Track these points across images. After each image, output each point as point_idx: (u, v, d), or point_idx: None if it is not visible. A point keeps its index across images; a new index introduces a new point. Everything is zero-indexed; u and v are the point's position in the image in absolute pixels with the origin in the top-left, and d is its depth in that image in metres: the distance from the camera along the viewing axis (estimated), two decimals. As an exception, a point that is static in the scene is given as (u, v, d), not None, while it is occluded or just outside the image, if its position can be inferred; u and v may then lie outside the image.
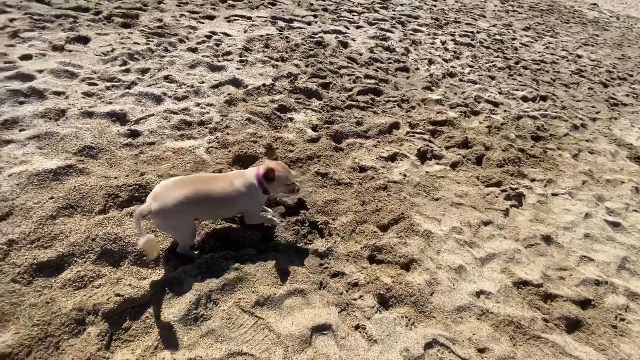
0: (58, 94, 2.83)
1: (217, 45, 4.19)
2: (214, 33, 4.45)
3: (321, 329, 1.73)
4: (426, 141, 3.43)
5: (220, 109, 3.15)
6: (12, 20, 3.55)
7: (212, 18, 4.93)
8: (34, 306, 1.58)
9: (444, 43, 6.20)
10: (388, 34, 5.90)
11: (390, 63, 4.93)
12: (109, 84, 3.10)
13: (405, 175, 2.93)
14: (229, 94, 3.36)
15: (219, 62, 3.86)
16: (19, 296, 1.60)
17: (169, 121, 2.85)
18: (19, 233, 1.81)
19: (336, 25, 5.74)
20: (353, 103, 3.73)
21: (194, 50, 3.97)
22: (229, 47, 4.22)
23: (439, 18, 7.50)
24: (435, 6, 8.41)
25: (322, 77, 4.08)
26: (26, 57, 3.10)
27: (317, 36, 5.10)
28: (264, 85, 3.60)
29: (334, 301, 1.88)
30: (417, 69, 4.99)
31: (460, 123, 3.87)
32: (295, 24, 5.40)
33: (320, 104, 3.60)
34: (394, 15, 7.00)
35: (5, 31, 3.37)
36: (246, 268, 1.92)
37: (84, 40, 3.63)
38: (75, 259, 1.80)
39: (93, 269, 1.77)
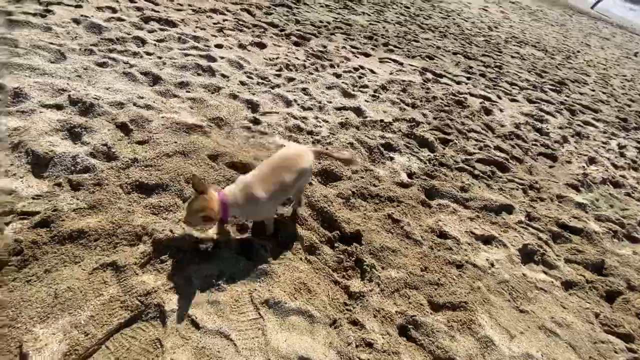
0: (223, 76, 3.58)
1: (359, 77, 4.53)
2: (362, 67, 4.84)
3: (308, 365, 1.56)
4: (541, 241, 2.77)
5: (332, 127, 3.35)
6: (224, 20, 4.76)
7: (367, 55, 5.39)
8: (120, 209, 1.99)
9: (621, 147, 5.00)
10: (547, 117, 5.17)
11: (535, 145, 4.28)
12: (260, 81, 3.74)
13: (492, 265, 2.42)
14: (346, 118, 3.56)
15: (353, 91, 4.16)
16: (116, 198, 2.05)
17: (287, 122, 3.21)
18: (142, 156, 2.33)
19: (487, 92, 5.40)
20: (467, 167, 3.37)
21: (337, 76, 4.41)
22: (369, 81, 4.50)
23: (628, 119, 6.12)
24: (629, 105, 6.93)
25: (445, 132, 3.87)
26: (218, 46, 4.08)
27: (460, 95, 4.91)
28: (382, 120, 3.67)
29: (337, 346, 1.67)
30: (569, 162, 4.16)
31: (602, 241, 2.98)
32: (443, 80, 5.35)
33: (429, 156, 3.41)
34: (565, 100, 6.10)
35: (216, 26, 4.54)
36: (276, 266, 1.93)
37: (262, 46, 4.52)
38: (165, 191, 2.19)
39: (172, 203, 2.11)
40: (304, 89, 3.83)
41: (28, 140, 2.21)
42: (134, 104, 2.78)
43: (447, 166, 3.33)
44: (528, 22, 13.15)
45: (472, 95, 5.10)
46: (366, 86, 4.36)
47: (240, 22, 4.91)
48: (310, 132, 3.19)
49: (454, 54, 6.81)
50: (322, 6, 7.14)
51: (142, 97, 2.89)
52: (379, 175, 2.91)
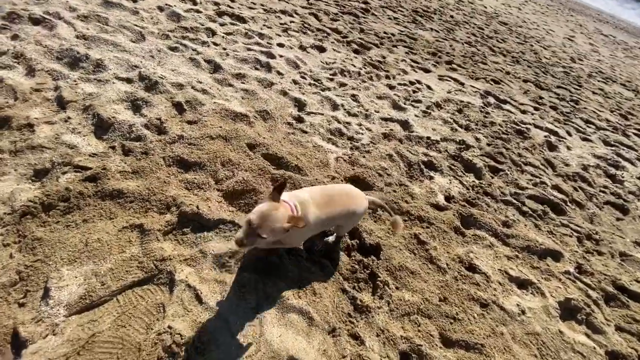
0: (279, 73, 3.72)
1: (414, 92, 4.41)
2: (419, 82, 4.70)
3: (297, 366, 1.52)
4: (589, 299, 2.42)
5: (374, 137, 3.29)
6: (290, 22, 4.95)
7: (427, 71, 5.23)
8: (158, 179, 2.14)
9: None
10: (625, 163, 4.54)
11: (603, 192, 3.78)
12: (312, 82, 3.81)
13: (523, 312, 2.17)
14: (391, 130, 3.47)
15: (404, 104, 4.05)
16: (157, 167, 2.21)
17: (329, 124, 3.22)
18: (188, 134, 2.50)
19: (555, 126, 4.91)
20: (515, 202, 3.08)
21: (391, 87, 4.33)
22: (423, 97, 4.35)
23: None
24: None
25: (497, 160, 3.59)
26: (280, 45, 4.25)
27: (522, 125, 4.53)
28: (428, 138, 3.51)
29: (330, 356, 1.61)
30: (643, 218, 3.60)
31: (671, 316, 2.51)
32: (506, 106, 4.99)
33: (473, 182, 3.18)
34: (652, 148, 5.32)
35: (282, 26, 4.74)
36: (287, 262, 1.92)
37: (321, 49, 4.62)
38: (202, 170, 2.31)
39: (205, 181, 2.23)
40: (353, 96, 3.82)
41: (97, 105, 2.48)
42: (192, 87, 2.99)
43: (492, 196, 3.07)
44: (620, 58, 11.79)
45: (536, 127, 4.67)
46: (419, 101, 4.22)
47: (306, 25, 5.07)
48: (350, 138, 3.16)
49: (525, 81, 6.33)
50: (389, 18, 7.11)
51: (201, 82, 3.10)
52: (413, 192, 2.78)
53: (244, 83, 3.35)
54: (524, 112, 5.03)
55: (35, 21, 3.13)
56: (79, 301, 1.49)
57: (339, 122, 3.31)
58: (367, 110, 3.64)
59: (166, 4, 4.12)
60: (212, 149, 2.45)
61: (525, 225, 2.90)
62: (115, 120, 2.41)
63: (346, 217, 1.87)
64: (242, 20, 4.53)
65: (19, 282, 1.52)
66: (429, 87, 4.67)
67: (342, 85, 3.98)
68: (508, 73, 6.43)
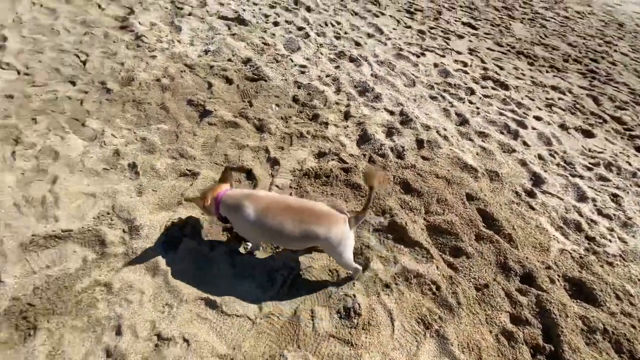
0: (524, 143, 3.56)
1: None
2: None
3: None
4: None
5: (627, 251, 2.57)
6: (559, 99, 4.57)
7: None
8: (385, 189, 2.63)
9: None
10: None
11: None
12: (561, 163, 3.40)
13: None
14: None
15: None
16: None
17: (567, 213, 2.80)
18: (419, 166, 2.89)
19: None
20: None
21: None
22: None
23: None
24: None
25: None
26: (537, 118, 4.04)
27: None
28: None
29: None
30: None
31: None
32: None
33: None
34: None
35: (547, 100, 4.46)
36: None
37: (588, 134, 4.01)
38: (418, 197, 2.63)
39: (417, 207, 2.54)
40: (614, 195, 3.12)
41: (367, 123, 3.31)
42: (437, 131, 3.40)
43: None
44: None
45: None
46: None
47: (578, 106, 4.54)
48: (590, 238, 2.62)
49: None
50: None
51: (445, 129, 3.47)
52: (668, 345, 2.00)
53: (484, 141, 3.46)
54: None
55: (351, 59, 4.48)
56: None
57: (581, 215, 2.82)
58: (630, 219, 2.88)
59: (441, 62, 4.83)
60: (433, 185, 2.73)
61: None
62: (373, 137, 3.14)
63: (304, 240, 1.74)
64: (504, 87, 4.63)
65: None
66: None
67: (603, 179, 3.32)
68: None
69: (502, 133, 3.67)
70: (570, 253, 2.45)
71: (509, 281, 2.19)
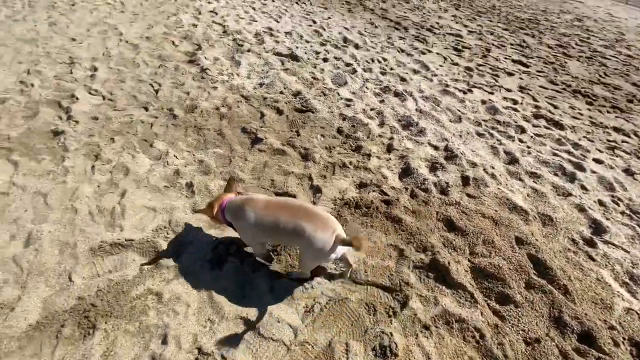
0: (582, 187, 3.32)
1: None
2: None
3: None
4: None
5: None
6: (622, 142, 4.23)
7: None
8: (427, 225, 2.58)
9: None
10: None
11: None
12: (628, 212, 3.11)
13: None
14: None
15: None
16: (429, 216, 2.66)
17: (634, 268, 2.52)
18: (464, 203, 2.81)
19: None
20: None
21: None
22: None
23: None
24: None
25: None
26: (597, 160, 3.77)
27: None
28: None
29: None
30: None
31: None
32: None
33: None
34: None
35: (609, 143, 4.16)
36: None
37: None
38: (463, 236, 2.55)
39: (461, 247, 2.45)
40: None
41: (410, 157, 3.32)
42: (484, 169, 3.31)
43: None
44: None
45: None
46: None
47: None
48: (664, 300, 2.32)
49: None
50: None
51: (493, 168, 3.36)
52: None
53: (535, 182, 3.29)
54: None
55: (396, 94, 4.59)
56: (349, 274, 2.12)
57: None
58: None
59: (489, 99, 4.76)
60: (479, 225, 2.63)
61: None
62: (416, 171, 3.14)
63: (293, 235, 1.80)
64: (559, 126, 4.41)
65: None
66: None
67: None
68: None
69: (556, 175, 3.47)
70: (638, 314, 2.18)
71: (565, 338, 1.99)
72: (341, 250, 1.85)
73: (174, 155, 3.02)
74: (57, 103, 3.58)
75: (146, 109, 3.65)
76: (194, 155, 3.07)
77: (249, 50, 5.15)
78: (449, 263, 2.24)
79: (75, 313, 1.86)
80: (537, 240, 2.59)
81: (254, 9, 7.20)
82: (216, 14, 6.61)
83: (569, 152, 3.84)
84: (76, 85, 3.91)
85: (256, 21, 6.48)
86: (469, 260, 2.37)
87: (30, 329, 1.78)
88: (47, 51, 4.56)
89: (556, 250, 2.57)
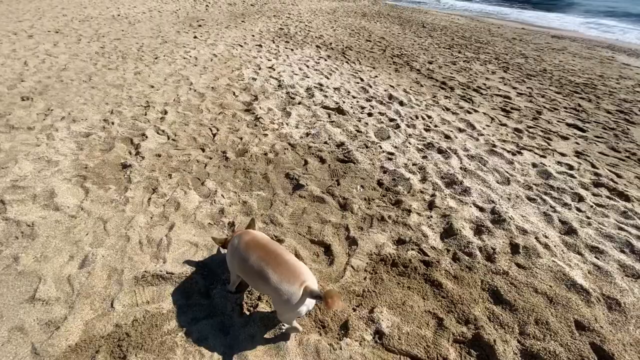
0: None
1: None
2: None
3: None
4: None
5: None
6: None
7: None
8: (471, 294, 2.38)
9: None
10: None
11: None
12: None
13: None
14: None
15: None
16: (473, 284, 2.46)
17: None
18: (513, 274, 2.57)
19: None
20: None
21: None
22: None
23: None
24: None
25: None
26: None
27: None
28: None
29: None
30: None
31: None
32: None
33: None
34: None
35: None
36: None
37: None
38: (511, 311, 2.30)
39: (510, 324, 2.21)
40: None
41: (453, 217, 3.19)
42: (536, 237, 3.06)
43: None
44: None
45: None
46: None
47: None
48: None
49: None
50: None
51: (547, 237, 3.09)
52: None
53: (597, 259, 2.95)
54: None
55: (440, 151, 4.56)
56: (381, 339, 1.98)
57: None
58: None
59: (541, 163, 4.54)
60: (530, 300, 2.37)
61: None
62: (459, 232, 2.99)
63: (258, 279, 1.83)
64: (623, 197, 4.02)
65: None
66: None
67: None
68: None
69: (622, 252, 3.09)
70: None
71: None
72: (312, 303, 1.78)
73: (222, 195, 3.22)
74: (130, 140, 4.08)
75: (203, 150, 4.00)
76: (239, 195, 3.24)
77: (299, 103, 5.56)
78: (494, 341, 2.01)
79: (110, 340, 1.93)
80: (601, 327, 2.26)
81: (307, 66, 7.89)
82: (274, 69, 7.33)
83: (637, 228, 3.44)
84: (148, 125, 4.44)
85: (309, 77, 7.06)
86: (518, 342, 2.11)
87: (69, 350, 1.87)
88: (129, 95, 5.32)
89: (626, 342, 2.20)
